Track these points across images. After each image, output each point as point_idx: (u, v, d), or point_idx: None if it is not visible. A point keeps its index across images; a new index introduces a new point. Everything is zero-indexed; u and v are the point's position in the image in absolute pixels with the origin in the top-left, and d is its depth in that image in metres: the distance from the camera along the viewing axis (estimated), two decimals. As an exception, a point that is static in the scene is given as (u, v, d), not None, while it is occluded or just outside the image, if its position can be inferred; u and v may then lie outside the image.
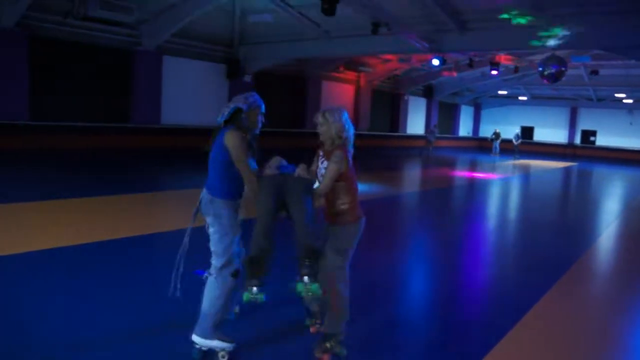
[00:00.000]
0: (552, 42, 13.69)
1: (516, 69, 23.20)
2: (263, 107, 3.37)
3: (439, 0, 14.20)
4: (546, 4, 13.54)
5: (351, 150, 3.31)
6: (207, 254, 3.28)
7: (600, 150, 33.99)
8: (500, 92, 35.42)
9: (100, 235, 6.01)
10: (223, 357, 3.20)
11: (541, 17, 13.74)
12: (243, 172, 3.18)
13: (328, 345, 3.23)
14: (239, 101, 3.26)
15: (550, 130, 36.96)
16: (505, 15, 13.77)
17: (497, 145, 26.95)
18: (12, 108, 13.91)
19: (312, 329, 3.59)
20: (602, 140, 35.12)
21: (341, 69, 24.51)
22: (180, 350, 3.28)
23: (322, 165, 3.28)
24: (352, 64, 24.48)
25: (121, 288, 4.37)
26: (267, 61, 20.01)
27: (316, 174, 3.33)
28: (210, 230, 3.24)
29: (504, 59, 21.71)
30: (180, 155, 15.11)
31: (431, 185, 14.49)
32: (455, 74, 26.36)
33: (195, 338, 3.21)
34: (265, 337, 3.61)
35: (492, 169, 20.29)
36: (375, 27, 14.81)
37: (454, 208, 11.04)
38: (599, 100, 33.46)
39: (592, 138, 35.93)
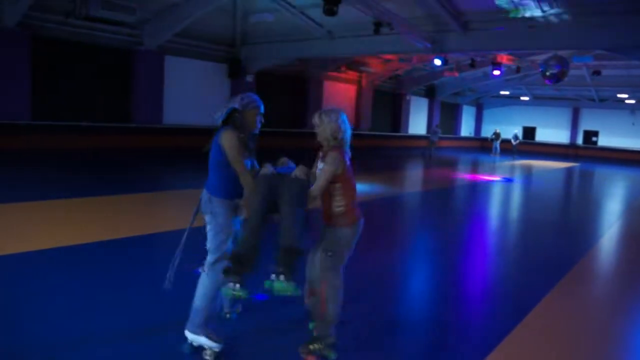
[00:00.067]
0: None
1: (518, 69, 23.16)
2: (262, 107, 3.40)
3: (441, 0, 14.19)
4: (549, 5, 13.53)
5: (348, 152, 3.29)
6: (206, 253, 3.32)
7: (603, 151, 33.93)
8: (502, 92, 35.39)
9: (101, 235, 6.01)
10: (210, 355, 3.21)
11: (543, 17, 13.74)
12: (239, 171, 3.23)
13: (312, 347, 3.19)
14: (235, 101, 3.33)
15: (552, 131, 36.92)
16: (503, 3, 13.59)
17: (497, 146, 26.93)
18: (14, 108, 13.93)
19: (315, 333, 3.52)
20: (604, 140, 35.07)
21: (343, 68, 24.50)
22: (180, 349, 3.28)
23: (320, 167, 3.27)
24: (354, 64, 24.48)
25: (121, 288, 4.37)
26: (268, 61, 20.01)
27: (316, 176, 3.32)
28: (207, 227, 3.32)
29: (505, 59, 21.68)
30: (181, 155, 15.11)
31: (431, 186, 14.46)
32: (456, 74, 26.32)
33: (186, 333, 3.28)
34: (266, 336, 3.60)
35: (493, 170, 20.25)
36: (377, 27, 14.81)
37: (455, 209, 11.01)
38: (601, 100, 33.40)
39: (594, 138, 35.88)
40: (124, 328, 3.57)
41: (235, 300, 3.78)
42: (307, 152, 3.23)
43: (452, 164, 21.88)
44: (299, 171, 3.21)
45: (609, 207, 12.10)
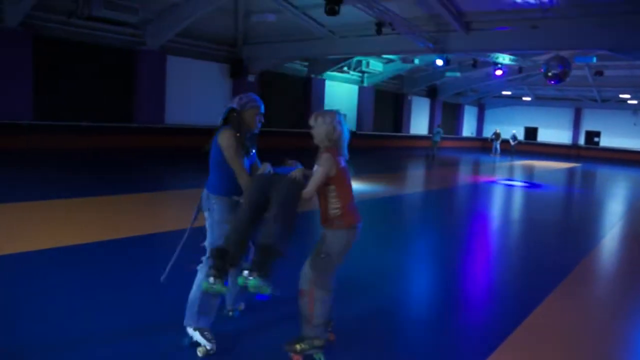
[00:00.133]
0: None
1: (520, 70, 23.14)
2: (262, 107, 3.42)
3: (443, 0, 14.18)
4: (552, 5, 13.52)
5: (345, 154, 3.26)
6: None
7: (604, 151, 33.88)
8: (504, 93, 35.37)
9: (101, 235, 6.01)
10: (202, 352, 3.22)
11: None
12: (235, 170, 3.28)
13: (298, 347, 3.15)
14: (234, 102, 3.39)
15: (554, 131, 36.88)
16: None
17: (498, 146, 27.02)
18: (16, 108, 13.97)
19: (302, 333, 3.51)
20: (606, 141, 35.02)
21: (345, 69, 24.50)
22: (179, 347, 3.29)
23: (314, 168, 3.25)
24: (356, 64, 24.47)
25: (122, 288, 4.37)
26: (270, 61, 20.04)
27: None
28: (206, 224, 3.41)
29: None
30: (183, 155, 15.12)
31: (432, 186, 14.45)
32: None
33: (187, 328, 3.33)
34: (267, 334, 3.59)
35: (493, 170, 20.23)
36: (379, 27, 14.80)
37: (456, 209, 10.99)
38: (603, 101, 33.35)
39: (596, 139, 35.83)
40: (124, 328, 3.57)
41: (237, 298, 3.79)
42: (310, 152, 3.21)
43: (453, 165, 21.84)
44: (297, 172, 3.19)
45: (611, 208, 12.07)
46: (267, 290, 2.96)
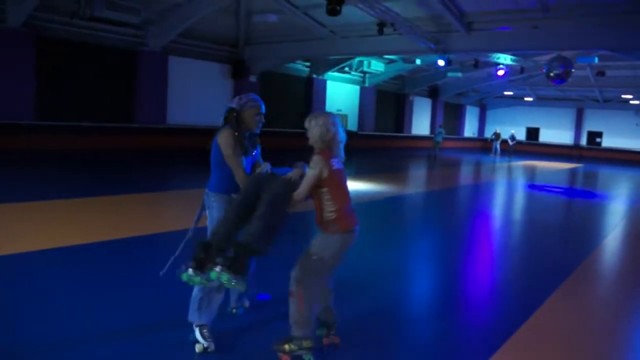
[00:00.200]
0: None
1: (522, 70, 23.12)
2: (263, 107, 3.45)
3: (444, 0, 14.18)
4: (554, 5, 13.51)
5: (341, 156, 3.24)
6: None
7: (606, 152, 33.82)
8: (505, 93, 35.33)
9: (103, 235, 6.01)
10: (199, 349, 3.24)
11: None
12: (233, 168, 3.33)
13: (287, 347, 3.13)
14: (234, 102, 3.44)
15: (556, 132, 36.83)
16: None
17: (498, 146, 27.11)
18: (18, 108, 14.00)
19: (325, 340, 3.44)
20: (608, 141, 34.96)
21: (346, 69, 24.50)
22: (180, 348, 3.29)
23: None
24: (358, 64, 24.47)
25: (123, 288, 4.38)
26: (272, 61, 20.04)
27: None
28: (208, 222, 3.47)
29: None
30: (185, 156, 15.14)
31: (433, 187, 14.44)
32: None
33: (191, 322, 3.37)
34: (269, 333, 3.59)
35: (493, 171, 20.21)
36: (381, 28, 14.80)
37: (457, 210, 10.99)
38: (605, 101, 33.29)
39: (598, 139, 35.77)
40: (125, 328, 3.57)
41: (241, 296, 3.82)
42: (311, 153, 3.20)
43: (453, 165, 21.82)
44: (294, 173, 3.18)
45: (613, 208, 12.03)
46: (241, 287, 2.96)
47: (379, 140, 27.30)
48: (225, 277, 2.91)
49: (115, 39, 16.18)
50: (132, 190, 9.60)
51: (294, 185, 3.14)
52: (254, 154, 3.55)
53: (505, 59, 21.07)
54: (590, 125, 35.88)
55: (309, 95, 23.57)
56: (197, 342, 3.25)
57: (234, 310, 3.82)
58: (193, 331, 3.32)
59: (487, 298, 4.96)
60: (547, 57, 18.49)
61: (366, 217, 8.64)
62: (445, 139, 25.68)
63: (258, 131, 3.53)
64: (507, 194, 13.96)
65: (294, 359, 3.15)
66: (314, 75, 23.51)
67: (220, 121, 3.44)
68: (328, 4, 12.01)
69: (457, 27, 15.27)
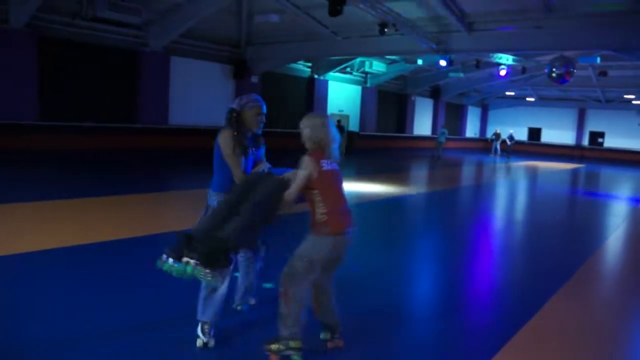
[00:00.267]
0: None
1: (523, 70, 23.09)
2: (264, 107, 3.46)
3: (446, 1, 14.18)
4: (556, 5, 13.50)
5: (335, 157, 3.21)
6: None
7: (609, 152, 33.76)
8: (507, 93, 35.29)
9: (105, 235, 6.02)
10: (198, 344, 3.28)
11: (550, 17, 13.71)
12: (231, 167, 3.37)
13: (274, 347, 3.12)
14: (235, 102, 3.47)
15: (558, 132, 36.78)
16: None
17: (498, 146, 27.16)
18: (21, 108, 14.03)
19: (329, 344, 3.41)
20: (610, 141, 34.90)
21: (348, 69, 24.51)
22: (181, 348, 3.30)
23: None
24: (359, 65, 24.47)
25: (124, 288, 4.38)
26: (274, 62, 20.05)
27: None
28: None
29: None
30: (187, 156, 15.15)
31: (434, 187, 14.43)
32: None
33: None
34: (269, 331, 3.58)
35: (493, 171, 20.19)
36: (382, 28, 14.81)
37: (459, 210, 10.98)
38: (608, 101, 33.24)
39: (600, 139, 35.71)
40: (125, 327, 3.58)
41: (245, 293, 3.83)
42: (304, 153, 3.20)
43: (454, 166, 21.79)
44: (291, 174, 3.18)
45: (615, 209, 12.02)
46: (213, 281, 2.97)
47: (380, 140, 27.30)
48: (198, 272, 2.92)
49: (117, 39, 16.21)
50: (134, 190, 9.61)
51: (285, 185, 3.13)
52: (257, 154, 3.57)
53: (507, 59, 21.06)
54: (592, 126, 35.82)
55: (311, 96, 23.58)
56: (198, 337, 3.29)
57: (239, 307, 3.85)
58: (194, 330, 3.34)
59: (488, 298, 4.95)
60: (549, 57, 18.47)
61: (385, 217, 8.64)
62: (448, 139, 25.69)
63: (260, 131, 3.56)
64: (508, 194, 13.94)
65: (282, 359, 3.14)
66: (316, 76, 23.52)
67: (222, 121, 3.48)
68: (330, 4, 12.03)
69: (459, 27, 15.26)
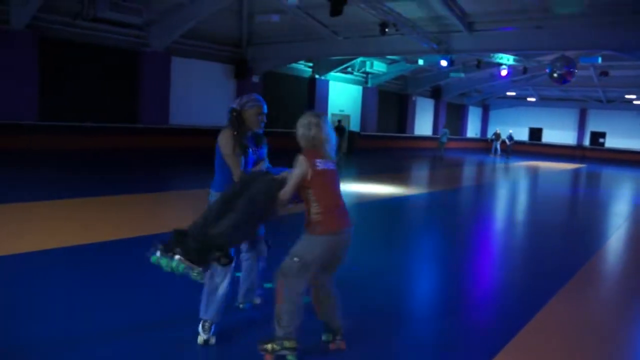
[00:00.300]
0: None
1: (524, 70, 23.08)
2: (264, 107, 3.47)
3: (446, 1, 14.17)
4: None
5: (331, 156, 3.19)
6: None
7: (610, 152, 33.73)
8: (508, 93, 35.28)
9: (105, 235, 6.01)
10: (199, 340, 3.30)
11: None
12: (230, 166, 3.38)
13: (268, 346, 3.11)
14: (235, 102, 3.48)
15: (559, 132, 36.76)
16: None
17: (498, 146, 27.19)
18: (22, 108, 14.04)
19: (331, 346, 3.39)
20: (612, 142, 34.86)
21: (349, 69, 24.51)
22: (181, 348, 3.29)
23: None
24: (360, 65, 24.46)
25: (124, 288, 4.38)
26: (275, 62, 20.06)
27: None
28: None
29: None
30: (188, 156, 15.15)
31: (434, 187, 14.42)
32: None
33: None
34: (269, 329, 3.58)
35: (493, 171, 20.17)
36: (383, 28, 14.80)
37: (459, 210, 10.96)
38: (609, 101, 33.21)
39: (601, 140, 35.67)
40: (125, 328, 3.57)
41: (249, 291, 3.84)
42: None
43: (454, 166, 21.78)
44: (287, 173, 3.17)
45: (616, 209, 12.01)
46: (198, 277, 2.96)
47: (381, 140, 27.29)
48: (182, 267, 2.92)
49: (118, 39, 16.22)
50: (134, 190, 9.61)
51: (281, 184, 3.13)
52: (259, 153, 3.57)
53: (507, 59, 21.05)
54: (593, 126, 35.79)
55: (312, 96, 23.58)
56: (199, 334, 3.31)
57: (241, 305, 3.87)
58: (194, 329, 3.36)
59: (489, 298, 4.94)
60: (550, 57, 18.45)
61: (385, 217, 8.64)
62: (449, 139, 25.68)
63: (261, 131, 3.56)
64: (507, 195, 13.93)
65: (277, 359, 3.14)
66: (317, 76, 23.52)
67: (223, 121, 3.49)
68: (331, 4, 12.02)
69: (460, 27, 15.26)
